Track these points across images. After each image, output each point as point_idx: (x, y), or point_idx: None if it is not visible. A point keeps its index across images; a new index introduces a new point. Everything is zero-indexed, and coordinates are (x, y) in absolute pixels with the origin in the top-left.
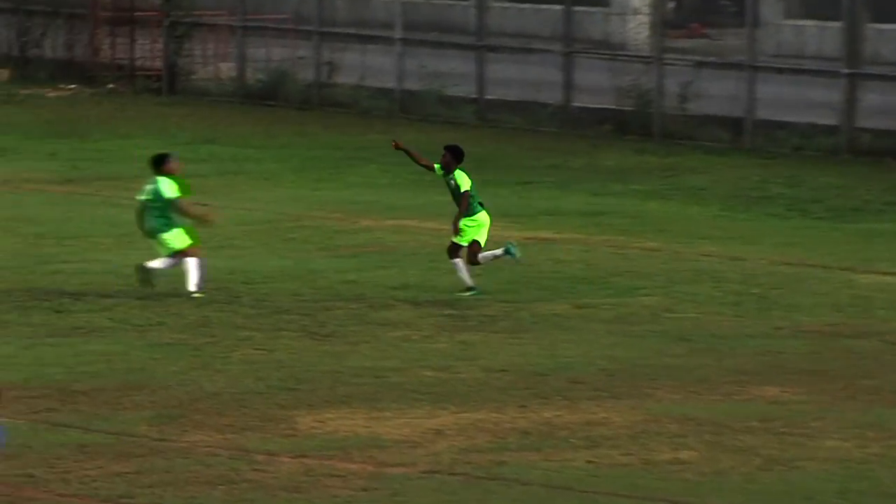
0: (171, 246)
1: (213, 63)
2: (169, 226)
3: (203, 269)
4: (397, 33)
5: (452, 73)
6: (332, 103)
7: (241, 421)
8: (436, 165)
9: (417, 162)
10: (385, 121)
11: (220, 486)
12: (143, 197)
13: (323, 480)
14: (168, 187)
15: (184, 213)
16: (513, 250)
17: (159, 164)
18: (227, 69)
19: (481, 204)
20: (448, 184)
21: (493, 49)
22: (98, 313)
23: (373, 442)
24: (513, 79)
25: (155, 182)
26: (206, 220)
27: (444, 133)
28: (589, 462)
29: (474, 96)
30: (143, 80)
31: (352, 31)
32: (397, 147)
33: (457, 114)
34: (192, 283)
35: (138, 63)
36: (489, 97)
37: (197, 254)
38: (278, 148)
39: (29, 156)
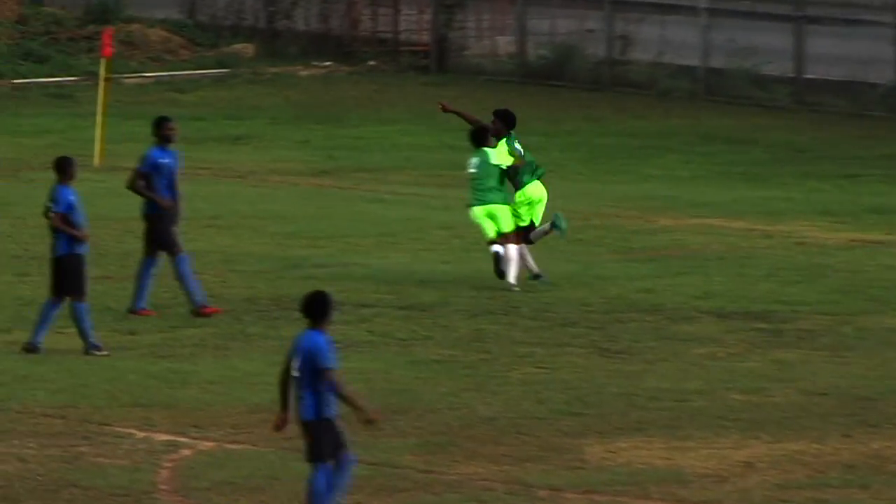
0: (501, 225)
1: (488, 37)
2: (504, 198)
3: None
4: (702, 2)
5: (766, 48)
6: (626, 83)
7: (520, 450)
8: (498, 138)
9: (472, 124)
10: (687, 103)
11: None
12: (470, 170)
13: None
14: (498, 155)
15: (513, 176)
16: (560, 223)
17: (481, 140)
18: (505, 44)
19: (536, 172)
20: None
21: (813, 20)
22: (356, 325)
23: (672, 476)
24: (836, 55)
25: (482, 154)
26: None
27: (755, 118)
28: None
29: (791, 76)
30: (408, 57)
31: None
32: (445, 109)
33: (770, 96)
34: (513, 275)
35: (403, 37)
36: (809, 76)
37: (515, 241)
38: (564, 135)
39: (277, 144)
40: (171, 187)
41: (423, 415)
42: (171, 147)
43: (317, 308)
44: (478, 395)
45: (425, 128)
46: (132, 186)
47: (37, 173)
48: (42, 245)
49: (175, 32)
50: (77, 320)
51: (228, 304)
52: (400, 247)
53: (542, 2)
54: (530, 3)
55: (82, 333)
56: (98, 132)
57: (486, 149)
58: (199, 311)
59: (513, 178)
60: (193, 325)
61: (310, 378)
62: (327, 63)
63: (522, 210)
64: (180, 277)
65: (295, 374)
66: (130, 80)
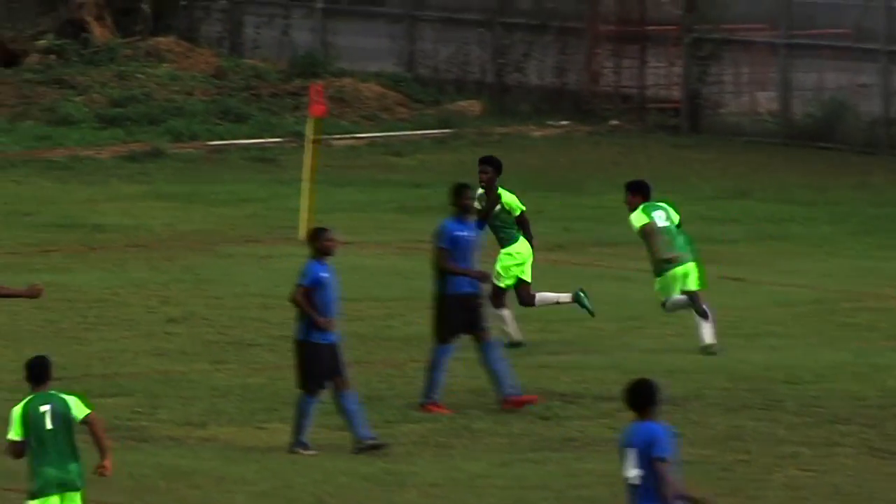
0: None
1: (748, 92)
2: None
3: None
4: None
5: None
6: None
7: None
8: (490, 190)
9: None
10: None
11: None
12: (663, 224)
13: None
14: (513, 202)
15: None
16: (584, 301)
17: (648, 189)
18: (767, 100)
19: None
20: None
21: None
22: (595, 420)
23: None
24: None
25: (662, 207)
26: None
27: None
28: None
29: None
30: (655, 115)
31: None
32: None
33: None
34: (709, 334)
35: (650, 93)
36: None
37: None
38: (833, 204)
39: None
40: (469, 265)
41: None
42: (471, 219)
43: (642, 398)
44: (735, 501)
45: (676, 196)
46: (445, 267)
47: (234, 247)
48: (240, 329)
49: (391, 88)
50: (297, 413)
51: (451, 395)
52: (646, 332)
53: (808, 53)
54: (795, 54)
55: (295, 428)
56: (304, 201)
57: (659, 203)
58: (425, 407)
59: (495, 225)
60: (412, 421)
61: (651, 478)
62: (564, 122)
63: (511, 269)
64: (434, 366)
65: (634, 482)
66: (341, 141)
